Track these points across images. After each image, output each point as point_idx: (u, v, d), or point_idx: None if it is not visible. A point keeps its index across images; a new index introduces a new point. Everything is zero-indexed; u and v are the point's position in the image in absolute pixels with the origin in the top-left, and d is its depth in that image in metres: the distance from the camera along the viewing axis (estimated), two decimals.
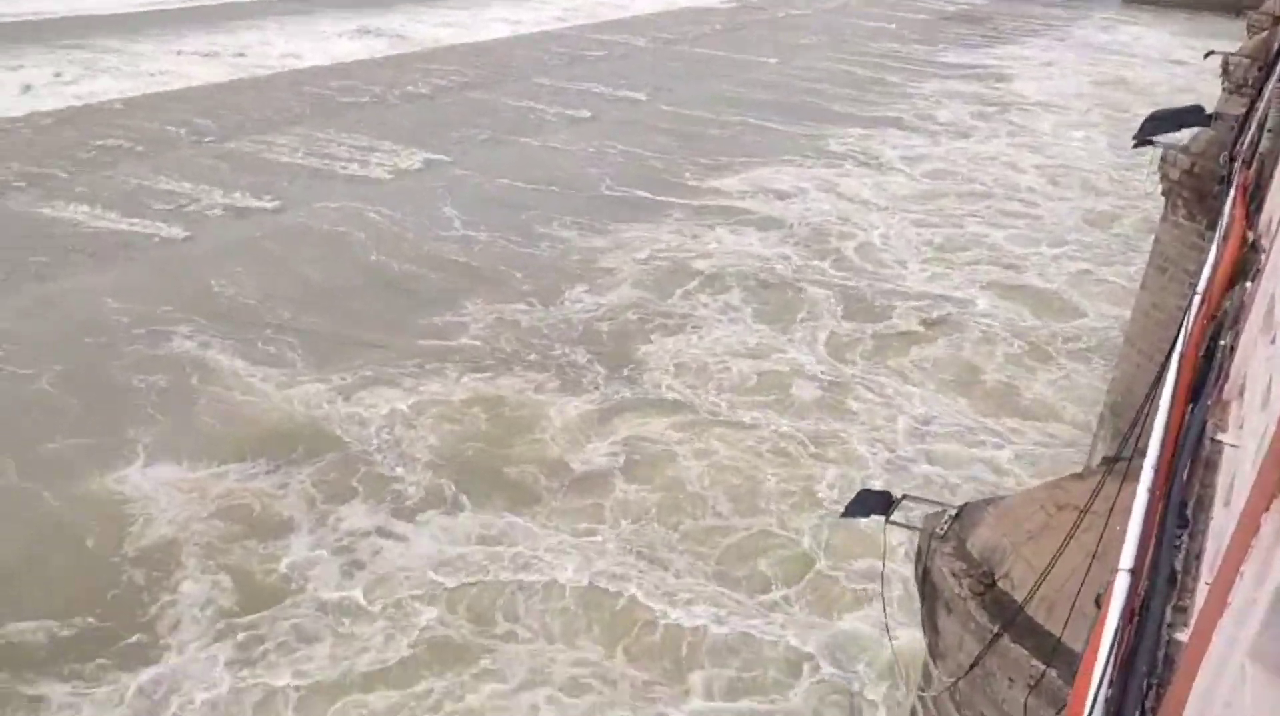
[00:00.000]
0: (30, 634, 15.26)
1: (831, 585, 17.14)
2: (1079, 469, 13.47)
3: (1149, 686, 2.76)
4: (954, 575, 7.98)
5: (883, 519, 8.34)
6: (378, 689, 14.65)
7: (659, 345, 25.35)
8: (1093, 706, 2.48)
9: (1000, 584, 7.86)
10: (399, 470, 19.61)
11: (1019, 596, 7.49)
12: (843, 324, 27.15)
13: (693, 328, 26.49)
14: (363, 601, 16.23)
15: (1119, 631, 2.73)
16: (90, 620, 15.56)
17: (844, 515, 8.74)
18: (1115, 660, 2.66)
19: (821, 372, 24.46)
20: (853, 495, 8.48)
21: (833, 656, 15.65)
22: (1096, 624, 2.90)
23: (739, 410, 22.54)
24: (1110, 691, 2.65)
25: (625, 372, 23.97)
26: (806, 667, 15.43)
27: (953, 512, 8.48)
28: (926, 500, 8.86)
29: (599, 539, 18.03)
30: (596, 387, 23.17)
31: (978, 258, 32.67)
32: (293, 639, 15.47)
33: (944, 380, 24.52)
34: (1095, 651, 2.67)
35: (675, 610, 16.41)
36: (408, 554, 17.40)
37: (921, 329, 27.18)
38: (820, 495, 19.47)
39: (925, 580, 8.32)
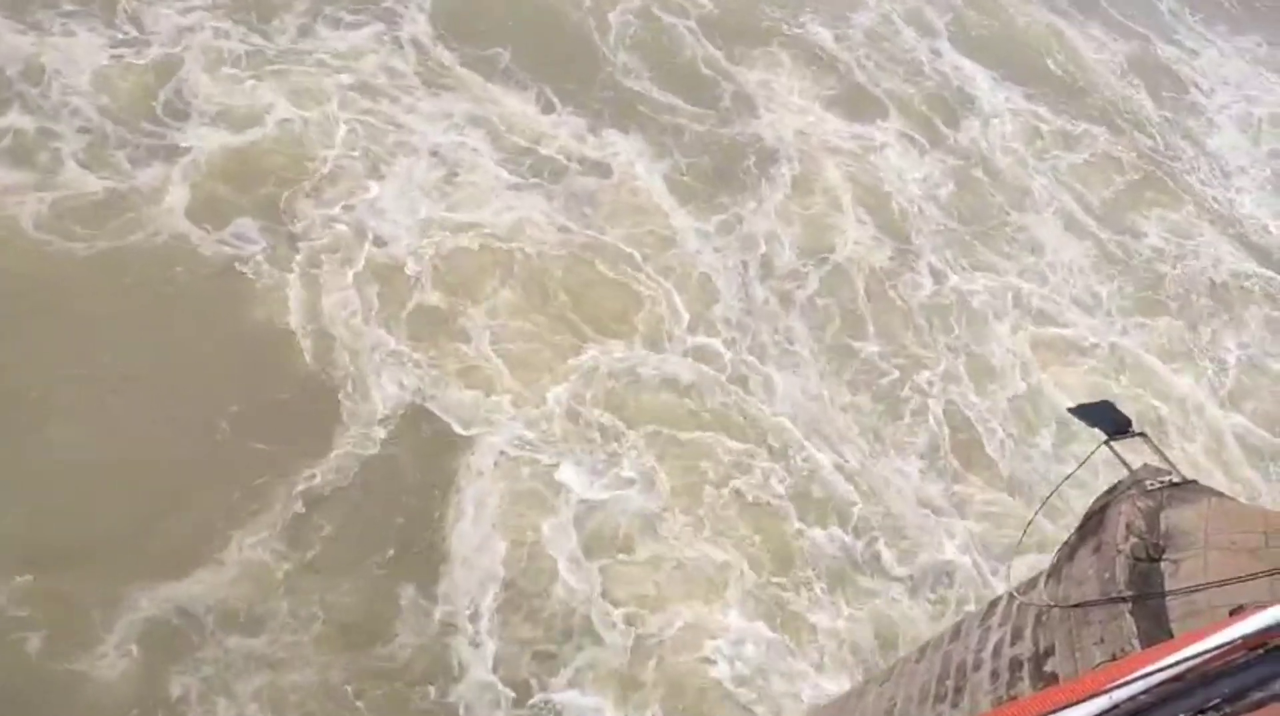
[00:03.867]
0: None
1: None
2: None
3: (1214, 706, 2.54)
4: (1128, 527, 7.48)
5: (1105, 438, 7.79)
6: None
7: None
8: (1135, 680, 2.31)
9: (1163, 565, 7.34)
10: None
11: (1171, 585, 7.00)
12: None
13: None
14: None
15: (1223, 645, 2.48)
16: None
17: (1072, 411, 8.21)
18: (1201, 661, 2.44)
19: None
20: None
21: None
22: (1211, 623, 2.66)
23: None
24: (1151, 686, 2.42)
25: None
26: None
27: (1174, 479, 7.79)
28: (1160, 452, 8.17)
29: None
30: None
31: None
32: None
33: None
34: (1187, 641, 2.46)
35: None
36: None
37: None
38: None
39: (1097, 513, 7.86)
